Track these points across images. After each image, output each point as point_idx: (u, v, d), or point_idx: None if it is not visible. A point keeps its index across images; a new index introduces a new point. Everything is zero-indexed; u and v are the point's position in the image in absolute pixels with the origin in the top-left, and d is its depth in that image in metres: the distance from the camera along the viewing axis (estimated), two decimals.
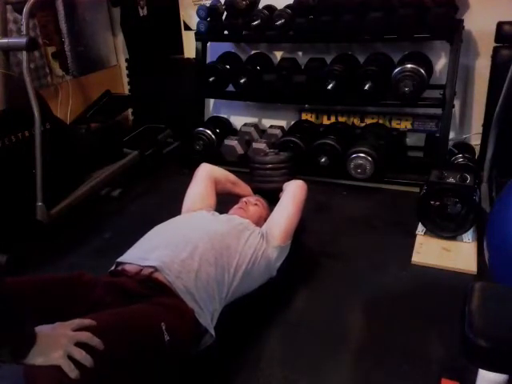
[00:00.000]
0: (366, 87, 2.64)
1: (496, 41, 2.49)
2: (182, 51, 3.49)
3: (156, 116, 3.57)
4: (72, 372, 1.00)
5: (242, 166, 2.83)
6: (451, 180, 2.12)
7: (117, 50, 3.72)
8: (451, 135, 2.76)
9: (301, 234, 2.13)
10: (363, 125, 3.11)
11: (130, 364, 1.18)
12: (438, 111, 2.65)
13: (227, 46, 3.29)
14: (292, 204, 1.95)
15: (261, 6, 3.04)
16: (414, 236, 2.20)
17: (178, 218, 1.88)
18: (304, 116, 3.28)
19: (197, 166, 2.16)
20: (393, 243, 2.20)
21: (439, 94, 2.63)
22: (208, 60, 3.26)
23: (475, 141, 2.80)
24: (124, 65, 3.76)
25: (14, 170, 2.22)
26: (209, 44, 3.26)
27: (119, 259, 1.58)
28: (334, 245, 2.22)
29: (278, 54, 3.23)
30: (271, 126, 3.28)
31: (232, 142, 3.07)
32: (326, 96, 2.79)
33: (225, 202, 2.12)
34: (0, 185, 2.13)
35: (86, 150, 2.74)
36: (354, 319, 1.74)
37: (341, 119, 3.18)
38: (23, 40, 2.12)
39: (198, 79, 3.16)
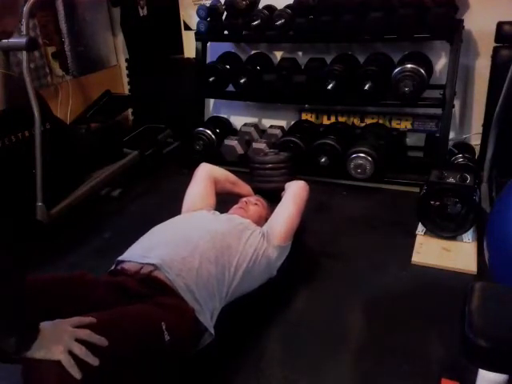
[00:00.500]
0: (366, 87, 2.64)
1: (496, 41, 2.49)
2: (181, 51, 3.49)
3: (156, 116, 3.56)
4: (72, 367, 1.02)
5: (242, 165, 2.83)
6: (451, 180, 2.12)
7: (117, 50, 3.72)
8: (451, 135, 2.76)
9: (301, 233, 2.12)
10: (363, 125, 3.11)
11: (130, 363, 1.19)
12: (438, 111, 2.65)
13: (227, 46, 3.28)
14: (293, 204, 1.95)
15: (261, 5, 3.04)
16: (414, 236, 2.20)
17: (178, 217, 1.88)
18: (304, 116, 3.28)
19: (197, 165, 2.16)
20: (393, 243, 2.20)
21: (439, 93, 2.63)
22: (208, 60, 3.26)
23: (475, 141, 2.79)
24: (124, 65, 3.76)
25: (14, 170, 2.22)
26: (209, 44, 3.26)
27: (119, 257, 1.58)
28: (334, 245, 2.22)
29: (278, 54, 3.23)
30: (271, 126, 3.28)
31: (232, 142, 3.07)
32: (325, 96, 2.79)
33: (225, 201, 2.12)
34: (0, 185, 2.13)
35: (86, 150, 2.74)
36: (354, 319, 1.74)
37: (341, 119, 3.18)
38: (23, 40, 2.12)
39: (198, 79, 3.16)
